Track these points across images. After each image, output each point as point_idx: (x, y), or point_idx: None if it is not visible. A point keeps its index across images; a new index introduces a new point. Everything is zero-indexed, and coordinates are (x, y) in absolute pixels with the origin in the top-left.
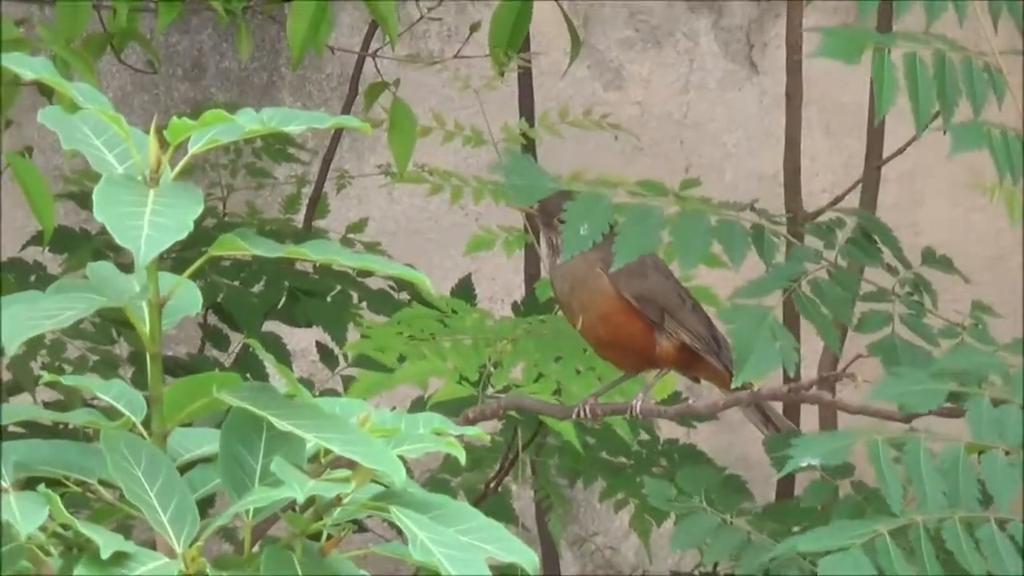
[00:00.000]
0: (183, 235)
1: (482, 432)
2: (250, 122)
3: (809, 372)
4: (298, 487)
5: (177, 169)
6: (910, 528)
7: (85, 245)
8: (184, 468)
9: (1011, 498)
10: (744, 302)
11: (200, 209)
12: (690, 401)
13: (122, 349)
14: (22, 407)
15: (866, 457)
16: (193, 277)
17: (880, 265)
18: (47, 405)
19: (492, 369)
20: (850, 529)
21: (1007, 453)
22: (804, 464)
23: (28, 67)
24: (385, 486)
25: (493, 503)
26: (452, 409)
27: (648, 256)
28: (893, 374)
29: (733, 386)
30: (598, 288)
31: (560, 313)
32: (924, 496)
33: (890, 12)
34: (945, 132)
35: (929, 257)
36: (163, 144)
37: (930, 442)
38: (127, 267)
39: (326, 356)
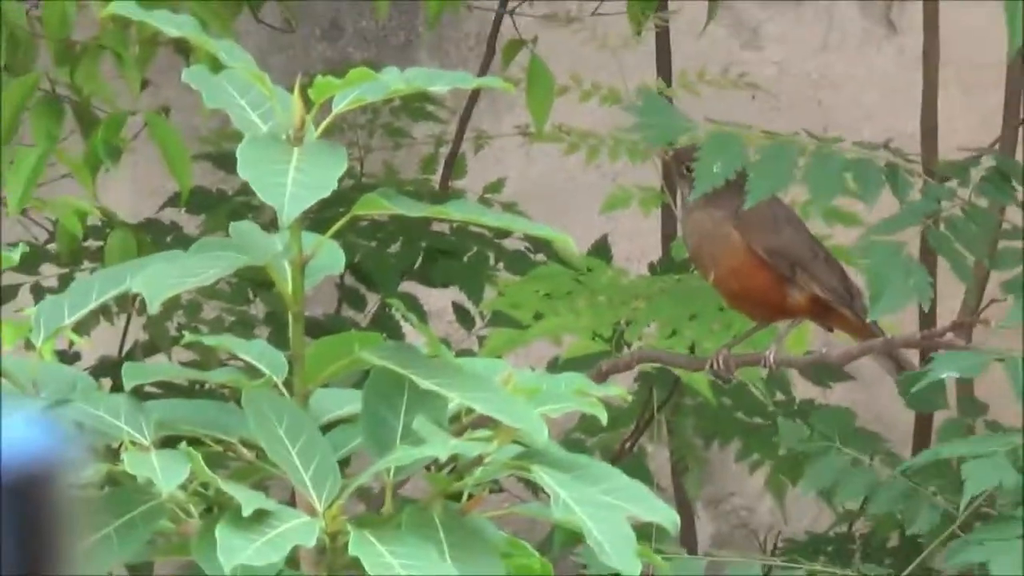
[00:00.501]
0: (327, 194)
1: (623, 391)
2: (395, 81)
3: (946, 320)
4: (441, 446)
5: (321, 128)
6: None
7: (222, 206)
8: (325, 428)
9: None
10: (878, 238)
11: (343, 168)
12: (823, 351)
13: (258, 310)
14: (164, 366)
15: (996, 394)
16: (333, 237)
17: (1015, 203)
18: (184, 366)
19: (625, 326)
20: (993, 439)
21: None
22: (943, 376)
23: (173, 25)
24: (525, 446)
25: (628, 463)
26: (585, 366)
27: (779, 207)
28: None
29: (869, 319)
30: (728, 242)
31: (695, 271)
32: None
33: None
34: None
35: None
36: (307, 103)
37: None
38: (267, 227)
39: (462, 316)
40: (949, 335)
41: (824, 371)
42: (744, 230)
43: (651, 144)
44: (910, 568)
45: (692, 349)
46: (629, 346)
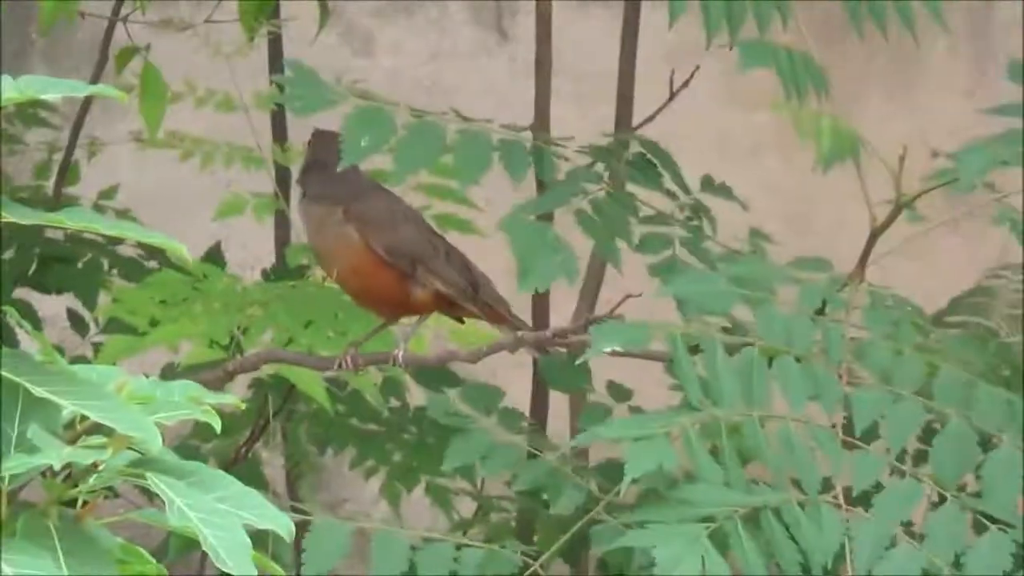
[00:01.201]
0: None
1: (238, 400)
2: (7, 89)
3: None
4: (55, 453)
5: None
6: (710, 423)
7: None
8: None
9: (802, 403)
10: (524, 216)
11: None
12: (453, 349)
13: None
14: None
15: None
16: None
17: (660, 189)
18: None
19: (241, 335)
20: (652, 420)
21: (797, 360)
22: (607, 351)
23: None
24: (141, 453)
25: (244, 469)
26: (203, 370)
27: (397, 204)
28: (684, 274)
29: (518, 291)
30: (346, 240)
31: (312, 277)
32: (721, 393)
33: None
34: (731, 48)
35: (708, 184)
36: None
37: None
38: None
39: (76, 322)
40: (579, 333)
41: (437, 375)
42: (363, 228)
43: (300, 114)
44: (554, 548)
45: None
46: (243, 353)
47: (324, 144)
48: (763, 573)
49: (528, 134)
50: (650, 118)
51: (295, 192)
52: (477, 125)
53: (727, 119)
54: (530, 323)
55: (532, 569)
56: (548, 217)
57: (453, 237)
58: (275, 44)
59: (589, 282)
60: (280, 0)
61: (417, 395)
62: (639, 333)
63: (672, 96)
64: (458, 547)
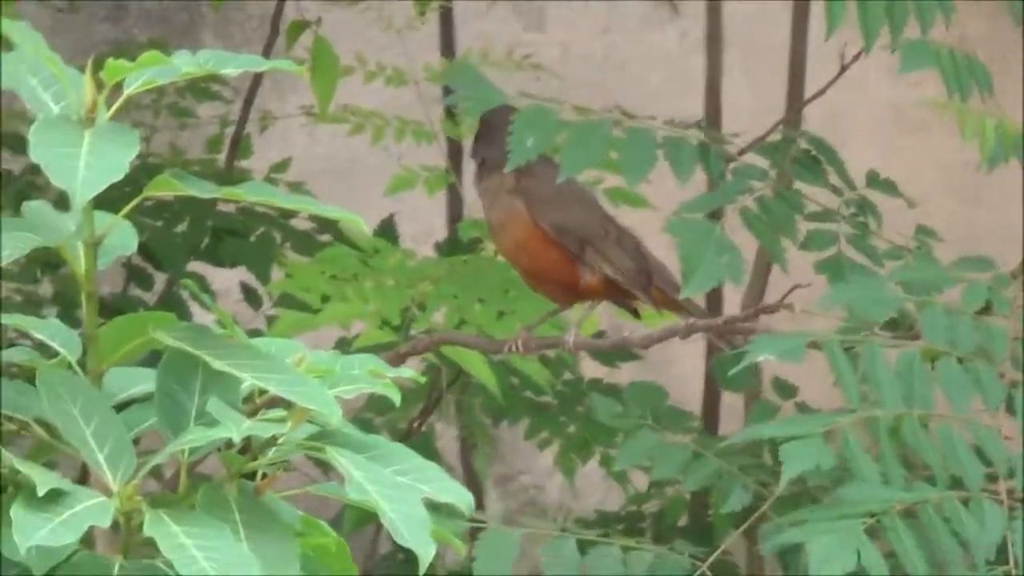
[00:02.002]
0: (119, 177)
1: (417, 374)
2: (187, 64)
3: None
4: (234, 427)
5: (112, 110)
6: (869, 421)
7: (8, 186)
8: (120, 407)
9: (965, 403)
10: (690, 216)
11: (136, 150)
12: (626, 333)
13: (45, 289)
14: None
15: (812, 378)
16: (123, 217)
17: (825, 185)
18: None
19: (416, 312)
20: (811, 420)
21: (960, 360)
22: (760, 359)
23: None
24: (320, 426)
25: (417, 442)
26: (374, 351)
27: (571, 185)
28: (843, 282)
29: (681, 296)
30: (514, 214)
31: (484, 252)
32: (882, 395)
33: None
34: (893, 51)
35: (873, 180)
36: (98, 85)
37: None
38: (57, 207)
39: (250, 296)
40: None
41: (615, 353)
42: (532, 205)
43: (470, 115)
44: (716, 553)
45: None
46: (414, 336)
47: (496, 113)
48: (924, 568)
49: (694, 131)
50: (820, 92)
51: (467, 166)
52: (642, 123)
53: (897, 94)
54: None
55: (700, 570)
56: (717, 215)
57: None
58: (446, 18)
59: (758, 269)
60: None
61: (590, 368)
62: (795, 343)
63: (842, 70)
64: (626, 549)
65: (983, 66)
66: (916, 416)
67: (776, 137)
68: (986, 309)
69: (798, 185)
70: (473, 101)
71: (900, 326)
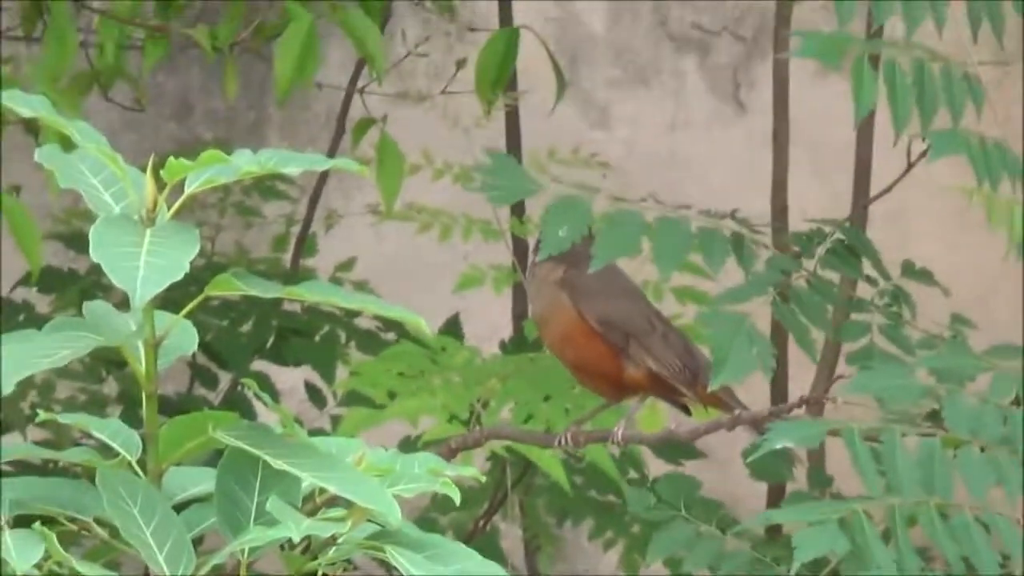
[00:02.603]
0: (179, 276)
1: (478, 472)
2: (247, 163)
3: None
4: (294, 526)
5: (173, 209)
6: (886, 510)
7: (73, 285)
8: (179, 507)
9: (984, 491)
10: (723, 308)
11: (196, 250)
12: (674, 426)
13: (111, 388)
14: (17, 445)
15: (845, 470)
16: (185, 316)
17: (860, 276)
18: (37, 444)
19: (482, 409)
20: (826, 506)
21: (982, 449)
22: (778, 446)
23: (26, 105)
24: (380, 525)
25: (482, 542)
26: (436, 445)
27: (616, 277)
28: (871, 369)
29: (710, 389)
30: (559, 307)
31: (547, 350)
32: (900, 484)
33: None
34: (924, 139)
35: (909, 269)
36: (159, 184)
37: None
38: (120, 307)
39: (314, 395)
40: (798, 411)
41: (676, 449)
42: (576, 296)
43: (498, 204)
44: None
45: (547, 432)
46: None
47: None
48: None
49: (728, 221)
50: (886, 190)
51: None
52: (675, 212)
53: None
54: (768, 393)
55: None
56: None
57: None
58: (512, 116)
59: (827, 352)
60: (517, 72)
61: (655, 467)
62: (814, 430)
63: (909, 167)
64: None
65: (1014, 154)
66: (934, 505)
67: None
68: (1017, 401)
69: (831, 275)
70: (503, 190)
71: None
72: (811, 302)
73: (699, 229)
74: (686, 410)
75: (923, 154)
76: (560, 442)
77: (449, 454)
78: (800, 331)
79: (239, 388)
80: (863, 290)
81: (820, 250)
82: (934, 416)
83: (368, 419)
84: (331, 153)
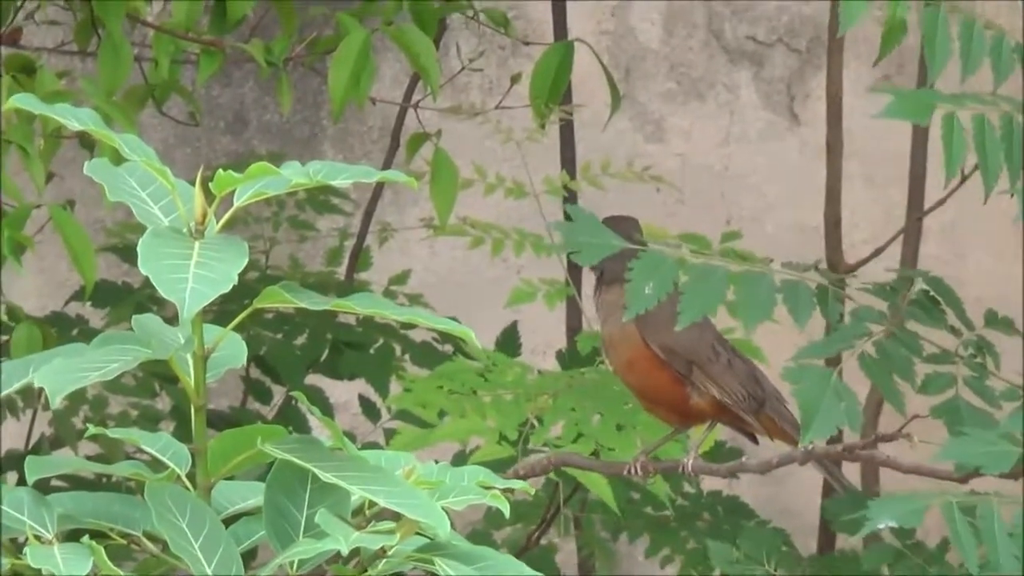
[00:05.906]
0: (227, 288)
1: (528, 485)
2: (296, 175)
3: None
4: (343, 539)
5: (222, 222)
6: None
7: (127, 298)
8: (228, 521)
9: None
10: (808, 362)
11: (244, 262)
12: (744, 458)
13: (164, 403)
14: (68, 459)
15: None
16: (237, 329)
17: (944, 328)
18: (89, 459)
19: (533, 425)
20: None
21: None
22: (880, 526)
23: (76, 119)
24: (430, 538)
25: (536, 556)
26: (492, 467)
27: None
28: (959, 434)
29: (800, 445)
30: (625, 333)
31: (602, 364)
32: (997, 559)
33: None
34: (1012, 195)
35: (992, 319)
36: (208, 196)
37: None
38: (171, 320)
39: (368, 409)
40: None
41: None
42: (642, 326)
43: (585, 264)
44: None
45: (596, 452)
46: (532, 450)
47: (617, 228)
48: None
49: (812, 273)
50: (940, 202)
51: (586, 278)
52: (760, 267)
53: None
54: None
55: None
56: (835, 360)
57: None
58: (566, 130)
59: (872, 392)
60: (571, 86)
61: (709, 480)
62: (915, 506)
63: (963, 180)
64: None
65: None
66: None
67: (894, 257)
68: None
69: (914, 326)
70: (590, 247)
71: None
72: (897, 355)
73: (783, 282)
74: (753, 438)
75: (976, 167)
76: (629, 471)
77: (516, 479)
78: (888, 385)
79: (293, 402)
80: (941, 337)
81: (904, 301)
82: None
83: (419, 439)
84: (386, 167)
